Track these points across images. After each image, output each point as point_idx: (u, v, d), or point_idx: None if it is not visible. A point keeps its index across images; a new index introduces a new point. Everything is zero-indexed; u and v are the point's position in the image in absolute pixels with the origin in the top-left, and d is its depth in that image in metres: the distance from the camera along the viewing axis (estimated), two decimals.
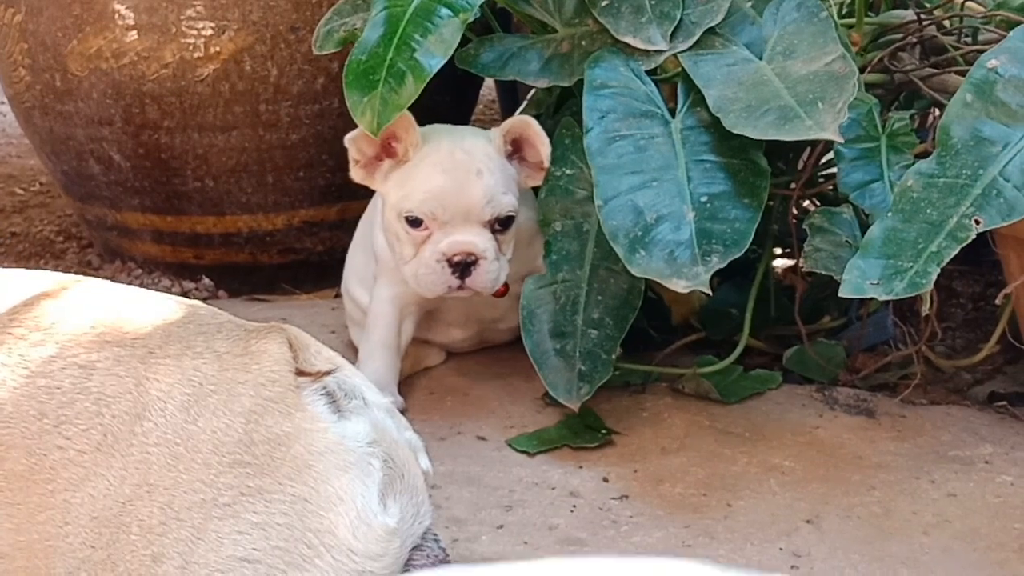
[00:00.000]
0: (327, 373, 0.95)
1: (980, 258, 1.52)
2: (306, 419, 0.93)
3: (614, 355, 1.25)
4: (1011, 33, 1.06)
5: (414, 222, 1.28)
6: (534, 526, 1.15)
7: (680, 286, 1.14)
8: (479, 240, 1.26)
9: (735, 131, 1.16)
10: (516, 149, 1.31)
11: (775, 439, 1.27)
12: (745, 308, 1.35)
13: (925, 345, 1.37)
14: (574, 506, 1.18)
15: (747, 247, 1.15)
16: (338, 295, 1.74)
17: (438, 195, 1.27)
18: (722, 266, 1.14)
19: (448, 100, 1.69)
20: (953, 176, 1.01)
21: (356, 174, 1.33)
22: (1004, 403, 1.34)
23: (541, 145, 1.28)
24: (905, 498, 1.16)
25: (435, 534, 0.98)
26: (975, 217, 0.99)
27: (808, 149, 1.39)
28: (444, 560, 0.97)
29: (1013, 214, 0.98)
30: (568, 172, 1.29)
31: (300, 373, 0.95)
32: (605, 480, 1.22)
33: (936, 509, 1.15)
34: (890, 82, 1.34)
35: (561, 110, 1.37)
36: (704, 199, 1.17)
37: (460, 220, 1.27)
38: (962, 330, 1.51)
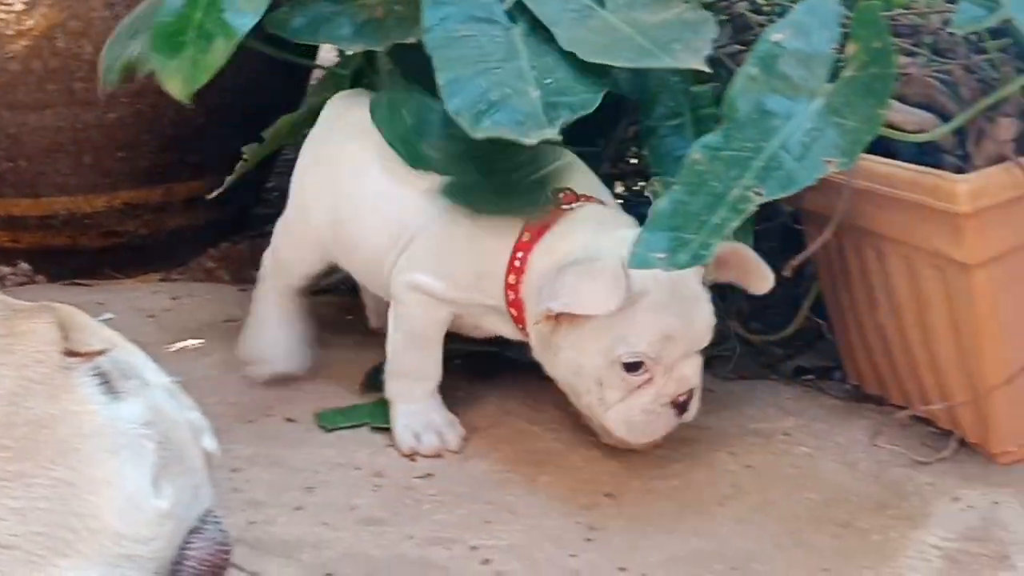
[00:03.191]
0: (100, 353, 0.93)
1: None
2: (74, 401, 0.90)
3: None
4: (796, 6, 1.07)
5: (633, 367, 1.10)
6: (335, 507, 1.13)
7: (529, 140, 1.08)
8: (698, 371, 1.12)
9: (592, 60, 1.11)
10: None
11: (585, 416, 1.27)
12: None
13: (738, 321, 1.39)
14: (378, 486, 1.17)
15: (596, 106, 1.11)
16: (164, 279, 1.70)
17: (670, 335, 1.09)
18: (572, 119, 1.09)
19: (275, 81, 1.66)
20: (737, 149, 1.02)
21: (545, 327, 1.12)
22: (811, 377, 1.36)
23: (759, 275, 1.11)
24: (704, 471, 1.17)
25: (216, 516, 0.96)
26: (755, 189, 1.00)
27: (623, 123, 1.40)
28: (224, 542, 0.95)
29: (792, 185, 0.99)
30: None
31: (70, 354, 0.92)
32: (412, 459, 1.21)
33: (733, 481, 1.16)
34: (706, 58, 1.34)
35: (356, 88, 1.35)
36: (548, 81, 1.12)
37: (683, 355, 1.10)
38: (781, 307, 1.53)
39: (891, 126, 1.15)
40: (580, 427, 1.23)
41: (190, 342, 1.46)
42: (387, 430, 1.25)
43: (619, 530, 1.09)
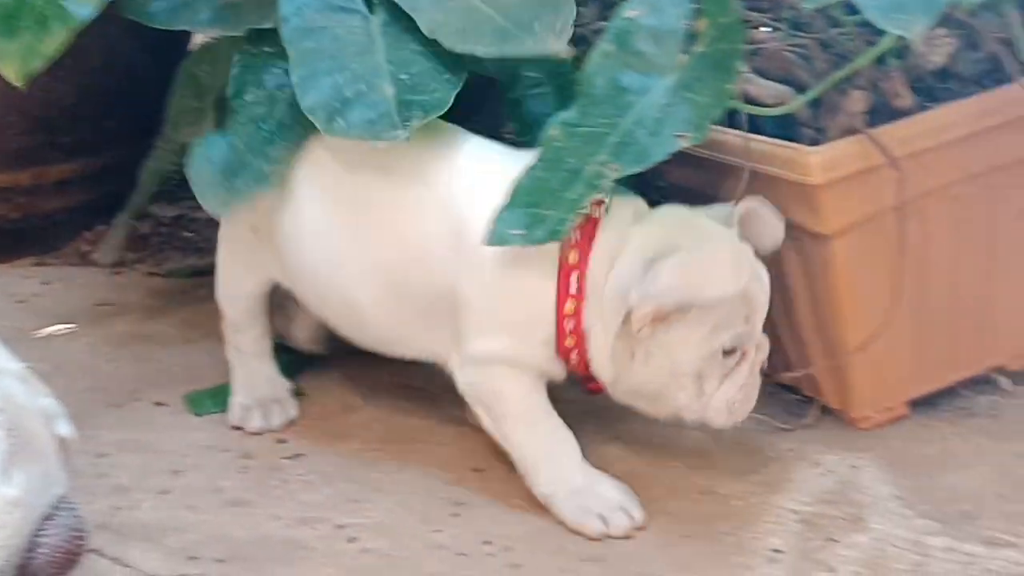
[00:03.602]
0: None
1: None
2: None
3: None
4: None
5: (731, 350, 1.05)
6: (201, 490, 1.13)
7: (381, 145, 1.09)
8: None
9: (452, 49, 1.11)
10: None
11: (455, 392, 1.27)
12: None
13: None
14: (245, 467, 1.16)
15: (449, 105, 1.10)
16: (37, 263, 1.67)
17: (757, 308, 1.05)
18: (424, 121, 1.08)
19: (147, 60, 1.63)
20: (593, 125, 1.02)
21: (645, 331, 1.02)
22: None
23: (773, 229, 1.08)
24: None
25: (71, 503, 0.94)
26: (611, 165, 1.00)
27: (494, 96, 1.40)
28: (78, 529, 0.94)
29: (645, 160, 1.00)
30: (268, 49, 1.21)
31: None
32: (282, 441, 1.21)
33: (600, 452, 1.17)
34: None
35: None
36: (404, 77, 1.11)
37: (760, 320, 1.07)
38: None
39: (751, 99, 1.17)
40: (450, 403, 1.23)
41: (60, 327, 1.44)
42: None
43: (485, 504, 1.10)
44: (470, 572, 1.02)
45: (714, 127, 1.15)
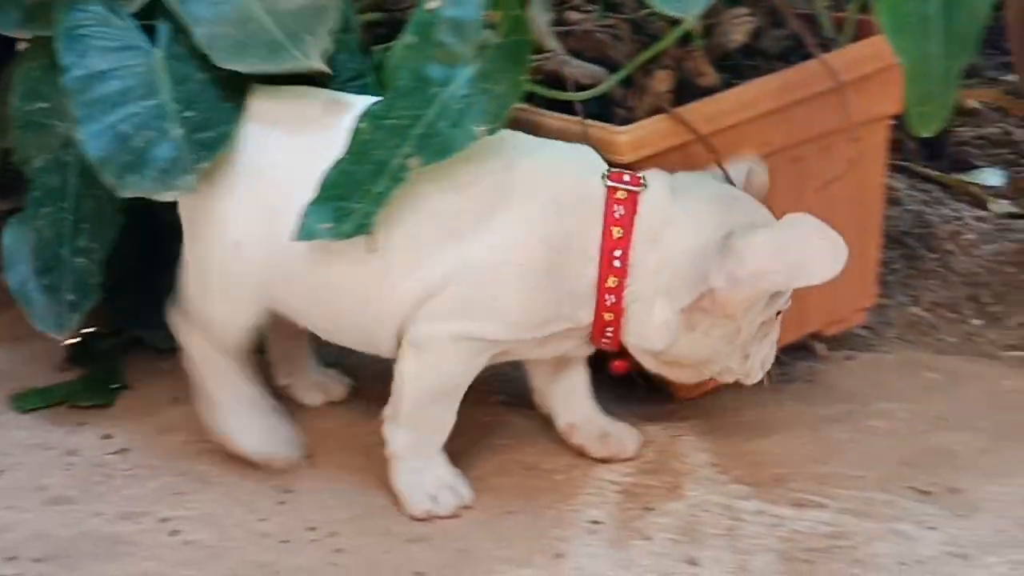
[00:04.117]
0: None
1: None
2: None
3: (100, 278, 1.21)
4: None
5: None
6: (23, 488, 1.12)
7: (170, 196, 1.09)
8: None
9: (224, 66, 1.13)
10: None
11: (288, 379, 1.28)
12: None
13: None
14: (70, 464, 1.15)
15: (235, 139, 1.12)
16: None
17: None
18: (212, 162, 1.10)
19: None
20: (398, 117, 1.03)
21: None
22: None
23: (764, 181, 1.10)
24: None
25: None
26: (413, 157, 1.01)
27: None
28: None
29: (447, 152, 1.01)
30: (43, 106, 1.22)
31: None
32: (107, 436, 1.20)
33: None
34: (389, 19, 1.35)
35: None
36: (190, 115, 1.12)
37: None
38: None
39: (567, 80, 1.19)
40: (281, 390, 1.24)
41: None
42: (86, 408, 1.23)
43: (312, 490, 1.11)
44: (294, 559, 1.02)
45: (534, 109, 1.18)
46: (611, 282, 1.04)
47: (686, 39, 1.16)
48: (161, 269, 1.28)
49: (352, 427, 1.19)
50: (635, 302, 1.04)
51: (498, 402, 1.23)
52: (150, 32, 1.20)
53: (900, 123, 1.14)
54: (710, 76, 1.16)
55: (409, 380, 1.06)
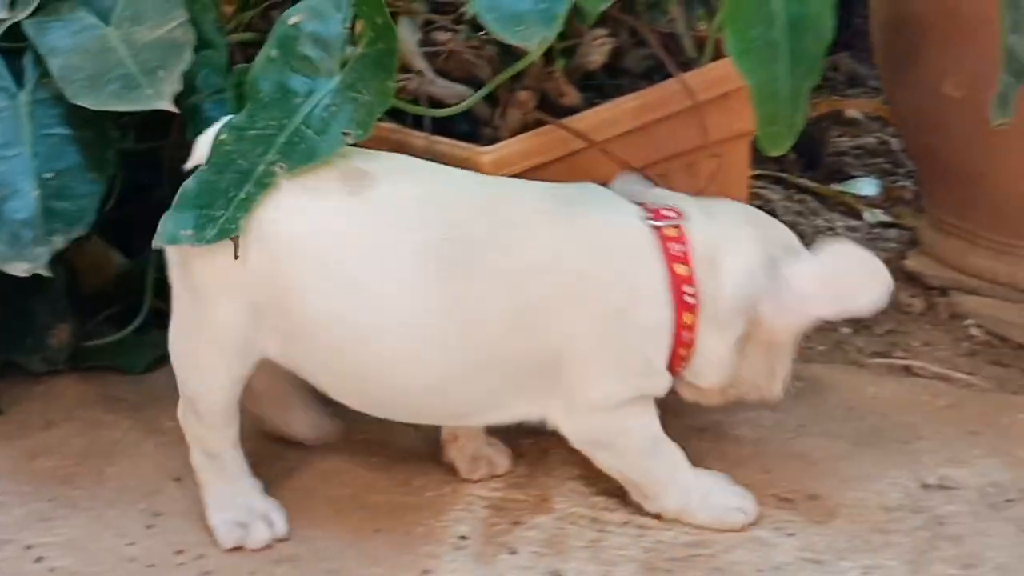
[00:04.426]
0: None
1: None
2: None
3: None
4: None
5: None
6: None
7: (21, 269, 1.12)
8: None
9: (77, 102, 1.14)
10: None
11: (166, 401, 1.27)
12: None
13: None
14: None
15: (92, 223, 1.15)
16: None
17: None
18: (63, 246, 1.13)
19: None
20: (261, 127, 1.04)
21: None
22: None
23: None
24: (269, 445, 1.19)
25: None
26: (279, 164, 1.02)
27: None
28: None
29: (314, 158, 1.02)
30: None
31: None
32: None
33: (298, 453, 1.19)
34: (263, 40, 1.36)
35: None
36: (50, 175, 1.15)
37: None
38: None
39: (434, 100, 1.20)
40: (160, 414, 1.23)
41: None
42: None
43: (181, 513, 1.11)
44: None
45: (400, 128, 1.19)
46: (686, 319, 1.03)
47: (550, 59, 1.18)
48: (34, 293, 1.28)
49: None
50: (703, 335, 1.04)
51: (372, 419, 1.24)
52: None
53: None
54: (571, 96, 1.18)
55: (617, 472, 1.07)
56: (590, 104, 1.19)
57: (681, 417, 1.24)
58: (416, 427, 1.21)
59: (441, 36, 1.25)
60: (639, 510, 1.10)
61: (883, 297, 1.01)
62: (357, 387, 1.03)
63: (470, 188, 1.04)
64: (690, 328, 1.03)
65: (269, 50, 1.07)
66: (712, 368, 1.05)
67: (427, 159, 1.15)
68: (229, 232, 1.02)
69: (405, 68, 1.20)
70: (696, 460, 1.15)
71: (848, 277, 1.01)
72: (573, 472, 1.16)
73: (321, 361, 1.02)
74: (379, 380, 1.02)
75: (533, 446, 1.19)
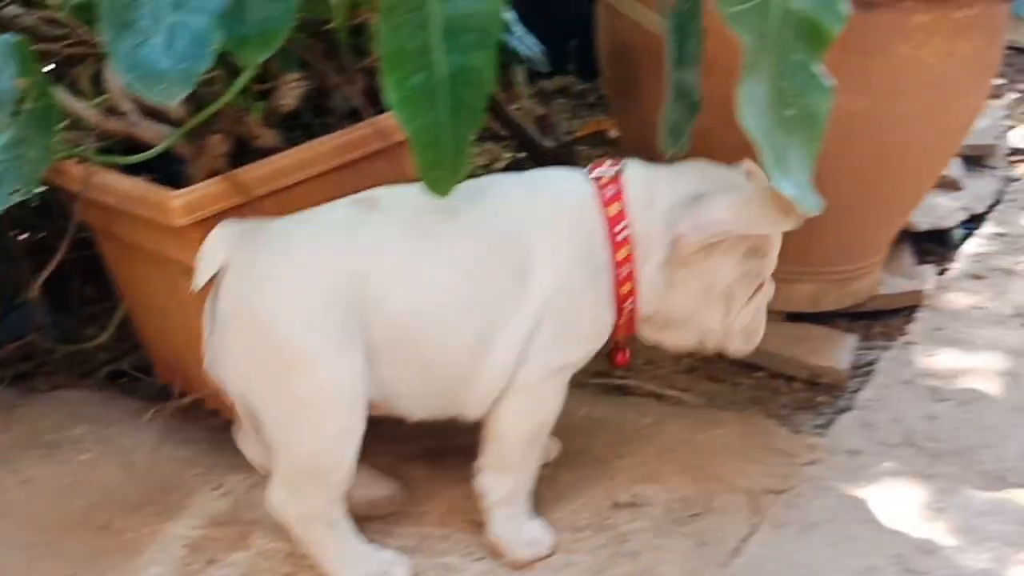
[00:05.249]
0: None
1: None
2: None
3: None
4: None
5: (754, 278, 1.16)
6: None
7: None
8: None
9: None
10: None
11: None
12: None
13: (43, 334, 1.42)
14: None
15: None
16: None
17: (777, 250, 1.17)
18: None
19: None
20: None
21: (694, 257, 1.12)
22: (126, 379, 1.42)
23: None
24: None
25: None
26: None
27: None
28: None
29: None
30: None
31: None
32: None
33: (8, 498, 1.19)
34: None
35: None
36: None
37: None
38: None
39: (138, 141, 1.21)
40: None
41: None
42: None
43: None
44: None
45: (105, 171, 1.20)
46: (621, 253, 1.11)
47: (247, 101, 1.20)
48: None
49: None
50: (645, 261, 1.12)
51: (85, 460, 1.25)
52: None
53: None
54: (266, 138, 1.20)
55: (515, 426, 1.11)
56: (293, 144, 1.21)
57: (394, 444, 1.28)
58: (130, 468, 1.22)
59: None
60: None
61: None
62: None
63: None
64: (626, 263, 1.11)
65: None
66: (644, 295, 1.13)
67: (129, 202, 1.16)
68: None
69: (112, 109, 1.21)
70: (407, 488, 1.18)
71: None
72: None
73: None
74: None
75: (242, 481, 1.21)
